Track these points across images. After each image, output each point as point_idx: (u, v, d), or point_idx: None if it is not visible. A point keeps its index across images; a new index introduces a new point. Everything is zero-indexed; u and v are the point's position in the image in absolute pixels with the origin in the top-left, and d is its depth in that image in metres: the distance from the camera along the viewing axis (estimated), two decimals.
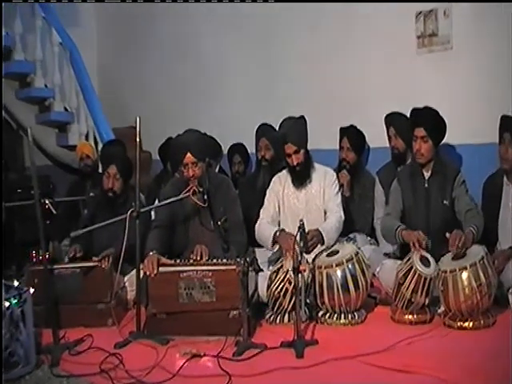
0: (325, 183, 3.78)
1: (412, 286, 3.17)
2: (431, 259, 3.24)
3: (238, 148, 5.23)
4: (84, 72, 6.14)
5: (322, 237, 3.53)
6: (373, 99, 4.72)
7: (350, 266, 3.28)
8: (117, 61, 7.13)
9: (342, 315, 3.29)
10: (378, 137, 4.52)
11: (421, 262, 3.21)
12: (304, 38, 5.22)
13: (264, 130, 4.68)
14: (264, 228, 3.70)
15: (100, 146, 5.83)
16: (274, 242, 3.57)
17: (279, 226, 3.77)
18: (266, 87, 5.56)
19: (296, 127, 3.72)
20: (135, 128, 3.26)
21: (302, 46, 5.25)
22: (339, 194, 3.85)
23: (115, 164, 4.00)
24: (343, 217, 3.74)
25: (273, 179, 3.91)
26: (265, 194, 3.89)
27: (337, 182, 3.87)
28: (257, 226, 3.75)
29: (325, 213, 3.77)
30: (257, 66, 5.66)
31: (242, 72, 5.78)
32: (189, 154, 3.50)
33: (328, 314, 3.32)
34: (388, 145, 4.39)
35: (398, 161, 4.27)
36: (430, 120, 3.59)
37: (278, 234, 3.54)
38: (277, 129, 4.34)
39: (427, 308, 3.26)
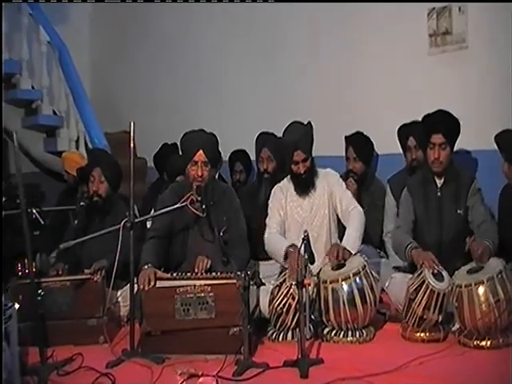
0: (329, 185, 3.83)
1: (424, 301, 3.20)
2: (445, 273, 3.27)
3: (240, 155, 5.24)
4: (74, 73, 6.19)
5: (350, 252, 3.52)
6: (381, 103, 4.77)
7: (357, 280, 3.31)
8: (110, 61, 7.18)
9: (349, 332, 3.33)
10: (387, 143, 4.56)
11: (433, 275, 3.24)
12: (310, 39, 5.29)
13: (265, 140, 4.61)
14: (275, 240, 3.73)
15: None
16: (286, 257, 3.60)
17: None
18: (269, 90, 5.62)
19: (306, 134, 3.75)
20: (129, 133, 3.31)
21: (307, 49, 5.32)
22: (347, 190, 3.88)
23: (99, 166, 4.08)
24: (362, 210, 3.75)
25: (273, 190, 3.96)
26: (266, 208, 3.93)
27: (341, 179, 3.91)
28: (266, 236, 3.79)
29: (330, 220, 3.82)
30: (259, 69, 5.72)
31: (244, 74, 5.84)
32: (201, 152, 3.57)
33: (334, 332, 3.35)
34: (397, 151, 4.42)
35: (415, 172, 4.22)
36: (447, 125, 3.60)
37: (290, 250, 3.56)
38: (277, 134, 4.39)
39: (440, 325, 3.28)
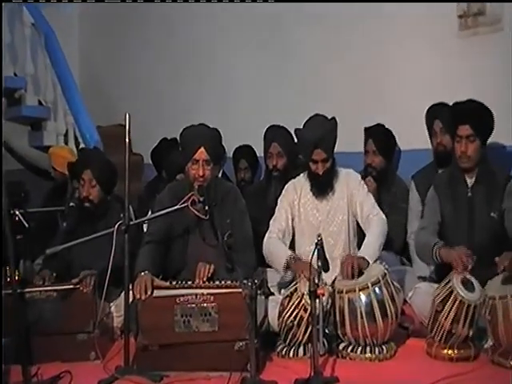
0: (349, 187, 3.85)
1: (452, 314, 3.20)
2: (476, 283, 3.27)
3: (245, 151, 5.30)
4: (62, 59, 6.24)
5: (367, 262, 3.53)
6: (405, 92, 4.80)
7: (376, 290, 3.34)
8: (102, 47, 7.22)
9: (368, 348, 3.35)
10: (411, 137, 4.61)
11: (463, 285, 3.24)
12: (326, 22, 5.31)
13: (275, 134, 4.66)
14: (275, 247, 3.77)
15: (82, 147, 5.92)
16: (287, 267, 3.65)
17: (294, 240, 3.87)
18: (278, 80, 5.66)
19: (329, 132, 3.77)
20: (124, 126, 3.35)
21: (322, 35, 5.35)
22: (370, 194, 3.91)
23: (90, 169, 4.12)
24: (385, 218, 3.78)
25: (286, 186, 3.99)
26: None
27: (363, 181, 3.94)
28: (265, 240, 3.82)
29: (349, 227, 3.85)
30: (268, 57, 5.76)
31: (251, 62, 5.88)
32: (202, 149, 3.63)
33: (350, 347, 3.38)
34: (425, 146, 4.46)
35: (442, 161, 4.30)
36: (476, 115, 3.59)
37: (292, 261, 3.61)
38: (288, 128, 4.44)
39: (471, 342, 3.29)
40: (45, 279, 3.82)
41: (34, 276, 4.09)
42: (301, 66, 5.51)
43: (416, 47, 4.79)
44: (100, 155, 4.56)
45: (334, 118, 3.82)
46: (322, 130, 3.75)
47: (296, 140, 4.07)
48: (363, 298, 3.33)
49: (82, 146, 5.97)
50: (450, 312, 3.21)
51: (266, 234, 3.84)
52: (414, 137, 4.59)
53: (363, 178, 4.27)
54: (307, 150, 3.79)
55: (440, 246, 3.47)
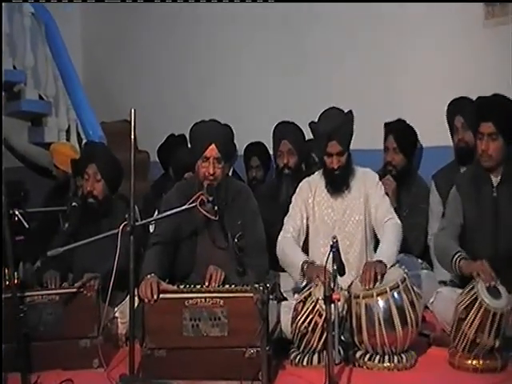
0: (366, 187, 3.87)
1: (477, 322, 3.19)
2: (502, 289, 3.26)
3: (257, 148, 5.32)
4: (64, 51, 6.28)
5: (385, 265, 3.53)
6: (425, 86, 4.82)
7: (395, 296, 3.34)
8: (106, 39, 7.24)
9: (386, 357, 3.35)
10: (433, 133, 4.62)
11: (488, 291, 3.23)
12: (341, 16, 5.38)
13: (284, 131, 4.66)
14: (290, 249, 3.78)
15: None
16: (303, 274, 3.65)
17: (308, 241, 3.89)
18: (292, 74, 5.69)
19: (345, 124, 3.79)
20: (129, 122, 3.35)
21: (336, 26, 5.40)
22: (386, 196, 3.92)
23: (95, 163, 4.16)
24: (400, 223, 3.79)
25: (300, 185, 4.02)
26: (288, 211, 3.99)
27: (380, 183, 3.95)
28: (280, 239, 3.85)
29: (366, 227, 3.87)
30: (281, 50, 5.79)
31: (263, 55, 5.91)
32: (213, 146, 3.65)
33: (368, 356, 3.39)
34: (447, 143, 4.48)
35: (463, 159, 4.31)
36: (500, 112, 3.58)
37: (305, 266, 3.61)
38: (299, 124, 4.47)
39: (497, 352, 3.27)
40: (51, 281, 3.83)
41: (34, 279, 4.13)
42: (317, 62, 5.55)
43: (436, 39, 4.81)
44: (106, 150, 4.58)
45: (350, 111, 3.84)
46: (338, 121, 3.78)
47: (311, 134, 4.08)
48: (381, 303, 3.34)
49: (84, 141, 5.98)
50: (474, 320, 3.20)
51: (281, 233, 3.87)
52: (436, 133, 4.60)
53: (382, 176, 4.32)
54: (322, 143, 3.81)
55: (461, 257, 3.44)
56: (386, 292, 3.34)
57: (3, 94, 6.33)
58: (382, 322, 3.31)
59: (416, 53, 4.94)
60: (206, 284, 3.42)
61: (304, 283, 3.64)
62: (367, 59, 5.23)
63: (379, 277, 3.42)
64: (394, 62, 5.07)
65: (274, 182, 4.83)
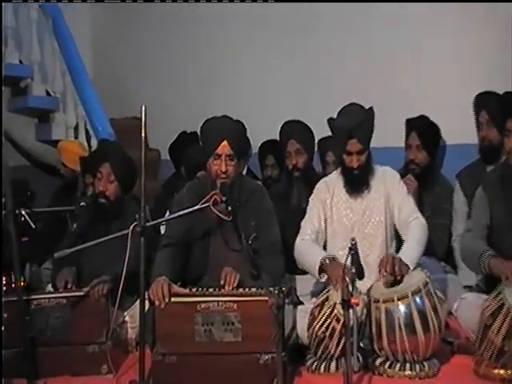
0: (386, 186, 3.86)
1: (504, 329, 3.17)
2: None
3: (272, 146, 5.31)
4: (72, 46, 6.29)
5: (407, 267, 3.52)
6: (449, 80, 4.82)
7: (417, 300, 3.33)
8: (116, 33, 7.23)
9: (407, 365, 3.35)
10: (458, 130, 4.61)
11: None
12: (357, 10, 5.41)
13: (292, 130, 4.62)
14: (308, 249, 3.78)
15: (93, 141, 5.97)
16: (321, 270, 3.63)
17: (326, 243, 3.89)
18: (307, 68, 5.71)
19: (366, 121, 3.79)
20: (140, 119, 3.36)
21: (353, 20, 5.43)
22: (409, 195, 3.91)
23: (109, 162, 4.18)
24: (425, 222, 3.78)
25: (317, 185, 4.01)
26: (300, 213, 4.00)
27: (402, 181, 3.94)
28: (297, 242, 3.84)
29: (386, 229, 3.85)
30: (295, 42, 5.81)
31: (277, 47, 5.91)
32: (225, 143, 3.66)
33: (388, 363, 3.38)
34: (474, 140, 4.47)
35: (488, 157, 4.30)
36: None
37: (327, 262, 3.60)
38: (310, 122, 4.48)
39: None
40: (67, 282, 3.85)
41: (41, 281, 4.16)
42: (333, 55, 5.56)
43: (463, 30, 4.82)
44: (121, 149, 4.56)
45: (371, 108, 3.83)
46: (358, 118, 3.77)
47: (324, 131, 4.08)
48: (402, 308, 3.33)
49: (93, 139, 6.01)
50: (501, 327, 3.18)
51: (298, 236, 3.87)
52: (461, 129, 4.59)
53: (403, 175, 4.30)
54: (341, 141, 3.81)
55: (491, 255, 3.43)
56: (408, 296, 3.33)
57: (8, 89, 6.40)
58: (402, 328, 3.30)
59: (440, 43, 4.95)
60: (221, 285, 3.43)
61: (324, 279, 3.61)
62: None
63: (398, 269, 3.41)
64: (415, 54, 5.08)
65: (282, 185, 4.75)
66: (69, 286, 3.85)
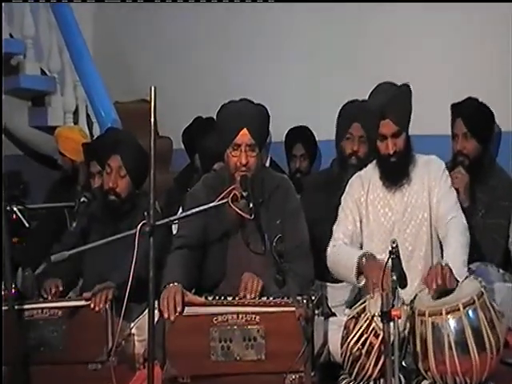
0: (430, 177, 3.84)
1: None
2: None
3: (301, 133, 5.34)
4: (71, 20, 6.30)
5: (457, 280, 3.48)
6: (500, 61, 4.85)
7: (470, 314, 3.29)
8: (122, 6, 7.28)
9: None
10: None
11: None
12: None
13: (357, 112, 4.48)
14: (342, 253, 3.76)
15: (95, 128, 6.01)
16: (359, 272, 3.61)
17: (361, 247, 3.87)
18: (338, 46, 5.76)
19: (399, 98, 3.78)
20: (149, 103, 3.35)
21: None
22: (453, 189, 3.90)
23: (120, 154, 4.19)
24: (466, 224, 3.74)
25: (350, 181, 4.00)
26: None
27: (447, 172, 3.91)
28: (329, 250, 3.83)
29: (431, 228, 3.84)
30: (326, 18, 5.86)
31: (307, 24, 5.94)
32: (245, 131, 3.65)
33: None
34: None
35: None
36: None
37: (364, 259, 3.58)
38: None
39: None
40: (56, 287, 3.87)
41: (35, 288, 4.18)
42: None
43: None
44: (133, 139, 4.52)
45: (406, 84, 3.82)
46: (390, 95, 3.76)
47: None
48: (452, 323, 3.29)
49: (95, 126, 6.04)
50: None
51: (330, 243, 3.86)
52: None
53: (451, 169, 4.29)
54: (374, 124, 3.79)
55: None
56: (459, 309, 3.28)
57: None
58: (453, 346, 3.26)
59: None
60: (241, 295, 3.42)
61: (362, 283, 3.60)
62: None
63: (448, 282, 3.37)
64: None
65: (329, 173, 4.72)
66: (60, 289, 3.88)
